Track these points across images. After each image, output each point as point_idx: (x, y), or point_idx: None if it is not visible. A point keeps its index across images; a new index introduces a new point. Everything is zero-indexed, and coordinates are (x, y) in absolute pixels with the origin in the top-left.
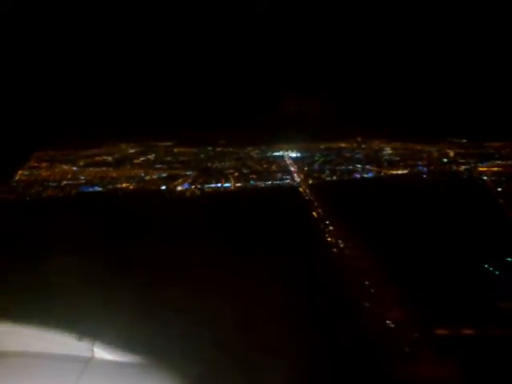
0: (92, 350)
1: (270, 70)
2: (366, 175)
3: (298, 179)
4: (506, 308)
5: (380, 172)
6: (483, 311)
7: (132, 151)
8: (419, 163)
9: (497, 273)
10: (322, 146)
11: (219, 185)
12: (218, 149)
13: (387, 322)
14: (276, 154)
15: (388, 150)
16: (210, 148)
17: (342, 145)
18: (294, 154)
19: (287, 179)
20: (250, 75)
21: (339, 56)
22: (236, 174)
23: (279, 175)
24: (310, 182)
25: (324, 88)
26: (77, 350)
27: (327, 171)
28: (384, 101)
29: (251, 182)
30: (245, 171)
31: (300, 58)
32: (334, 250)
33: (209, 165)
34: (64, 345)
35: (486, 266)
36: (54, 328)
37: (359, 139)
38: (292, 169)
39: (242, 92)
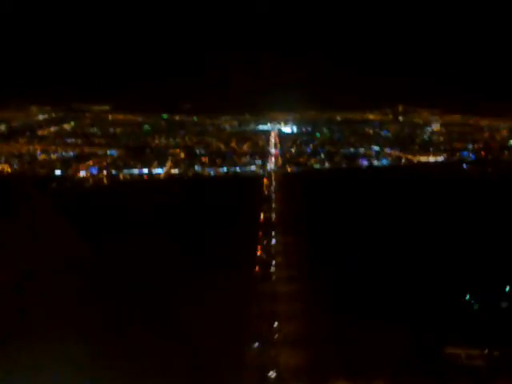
0: None
1: None
2: (376, 163)
3: (271, 166)
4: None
5: (401, 158)
6: (411, 365)
7: (42, 117)
8: (469, 146)
9: (476, 307)
10: (338, 117)
11: (145, 171)
12: (177, 117)
13: (268, 373)
14: (262, 127)
15: (435, 125)
16: (164, 115)
17: (371, 116)
18: (287, 129)
19: (255, 165)
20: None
21: None
22: (182, 155)
23: (247, 159)
24: (289, 170)
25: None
26: None
27: (322, 155)
28: (451, 54)
29: (195, 167)
30: (198, 152)
31: None
32: (257, 269)
33: (149, 140)
34: None
35: (468, 297)
36: None
37: (400, 108)
38: (272, 150)
39: (229, 29)
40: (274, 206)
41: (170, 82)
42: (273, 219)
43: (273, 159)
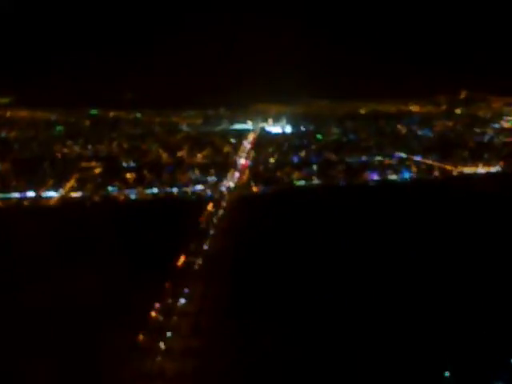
0: None
1: None
2: (393, 177)
3: (229, 185)
4: None
5: (432, 170)
6: None
7: None
8: None
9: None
10: (362, 110)
11: (30, 194)
12: (111, 113)
13: None
14: (240, 126)
15: (507, 121)
16: (93, 111)
17: (414, 108)
18: (276, 128)
19: (205, 184)
20: None
21: None
22: (98, 170)
23: (195, 175)
24: (255, 189)
25: None
26: None
27: (315, 166)
28: None
29: (110, 188)
30: (126, 164)
31: None
32: (140, 339)
33: (55, 148)
34: None
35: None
36: None
37: (463, 95)
38: (241, 160)
39: None
40: (206, 246)
41: (105, 64)
42: (196, 266)
43: (236, 174)
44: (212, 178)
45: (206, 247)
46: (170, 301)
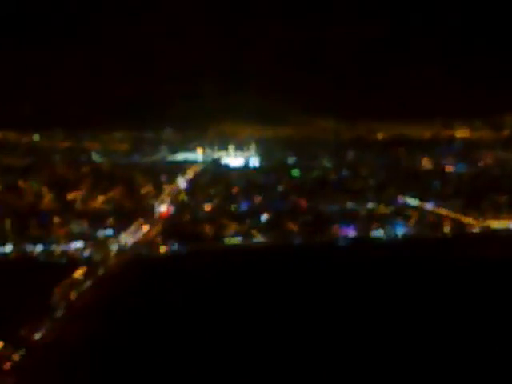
0: None
1: None
2: (378, 233)
3: (127, 240)
4: None
5: (442, 223)
6: None
7: None
8: None
9: None
10: (379, 135)
11: None
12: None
13: None
14: (188, 154)
15: None
16: None
17: (459, 132)
18: (237, 159)
19: (90, 240)
20: None
21: None
22: None
23: (82, 227)
24: (162, 250)
25: None
26: None
27: (266, 215)
28: None
29: None
30: None
31: None
32: None
33: None
34: None
35: None
36: None
37: None
38: (161, 207)
39: None
40: (39, 334)
41: None
42: (8, 363)
43: (145, 227)
44: (105, 232)
45: (38, 335)
46: None
